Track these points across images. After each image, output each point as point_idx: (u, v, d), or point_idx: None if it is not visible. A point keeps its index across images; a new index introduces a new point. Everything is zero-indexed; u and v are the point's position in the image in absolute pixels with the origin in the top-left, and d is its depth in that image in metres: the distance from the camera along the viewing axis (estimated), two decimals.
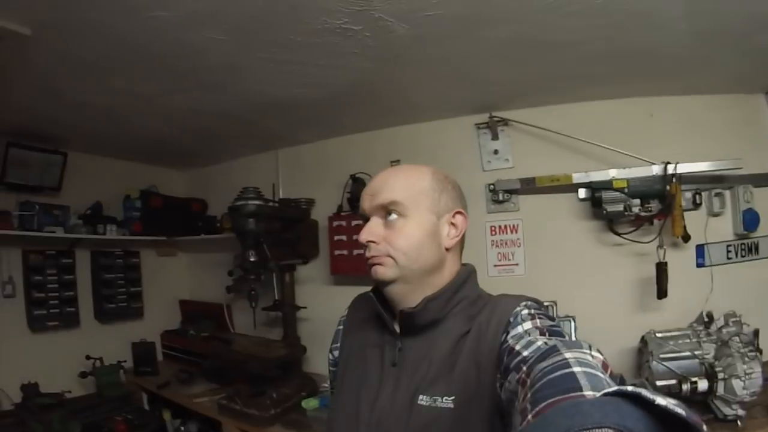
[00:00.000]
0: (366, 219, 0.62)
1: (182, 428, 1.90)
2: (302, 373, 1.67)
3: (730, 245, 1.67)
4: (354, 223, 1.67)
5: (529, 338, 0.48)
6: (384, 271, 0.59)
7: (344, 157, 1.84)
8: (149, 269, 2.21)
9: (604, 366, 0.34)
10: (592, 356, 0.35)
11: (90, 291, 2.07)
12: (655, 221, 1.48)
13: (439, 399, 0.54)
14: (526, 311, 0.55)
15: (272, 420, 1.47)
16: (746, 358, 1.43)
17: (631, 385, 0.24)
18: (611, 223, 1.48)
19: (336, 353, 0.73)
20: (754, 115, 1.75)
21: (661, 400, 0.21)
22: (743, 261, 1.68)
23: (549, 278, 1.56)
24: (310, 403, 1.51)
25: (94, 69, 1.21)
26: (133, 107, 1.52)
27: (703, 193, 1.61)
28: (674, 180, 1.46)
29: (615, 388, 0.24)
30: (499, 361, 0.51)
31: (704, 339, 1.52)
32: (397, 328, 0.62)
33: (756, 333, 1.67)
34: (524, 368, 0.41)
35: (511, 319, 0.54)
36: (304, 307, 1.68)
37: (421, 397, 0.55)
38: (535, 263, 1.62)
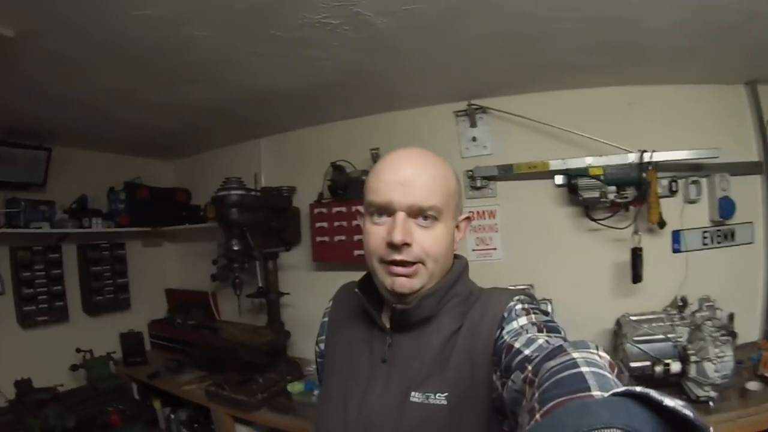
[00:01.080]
0: (386, 212, 0.56)
1: (172, 416, 2.00)
2: (287, 358, 1.76)
3: (706, 232, 1.76)
4: (335, 209, 1.75)
5: (528, 335, 0.48)
6: (412, 284, 0.56)
7: (325, 145, 1.91)
8: (135, 260, 2.28)
9: (611, 366, 0.35)
10: (600, 356, 0.36)
11: (77, 284, 2.13)
12: (631, 208, 1.56)
13: (432, 396, 0.53)
14: (519, 306, 0.55)
15: (259, 405, 1.55)
16: (718, 342, 1.52)
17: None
18: (587, 209, 1.56)
19: (322, 346, 0.73)
20: (734, 106, 1.83)
21: (669, 402, 0.22)
22: (719, 247, 1.77)
23: (526, 262, 1.64)
24: (295, 388, 1.61)
25: (80, 68, 1.25)
26: (119, 103, 1.56)
27: (679, 181, 1.69)
28: (650, 168, 1.55)
29: (624, 388, 0.25)
30: (496, 357, 0.51)
31: (678, 323, 1.62)
32: (387, 323, 0.61)
33: (731, 317, 1.78)
34: (530, 367, 0.41)
35: (505, 315, 0.55)
36: (287, 293, 1.76)
37: (413, 393, 0.54)
38: (513, 248, 1.69)
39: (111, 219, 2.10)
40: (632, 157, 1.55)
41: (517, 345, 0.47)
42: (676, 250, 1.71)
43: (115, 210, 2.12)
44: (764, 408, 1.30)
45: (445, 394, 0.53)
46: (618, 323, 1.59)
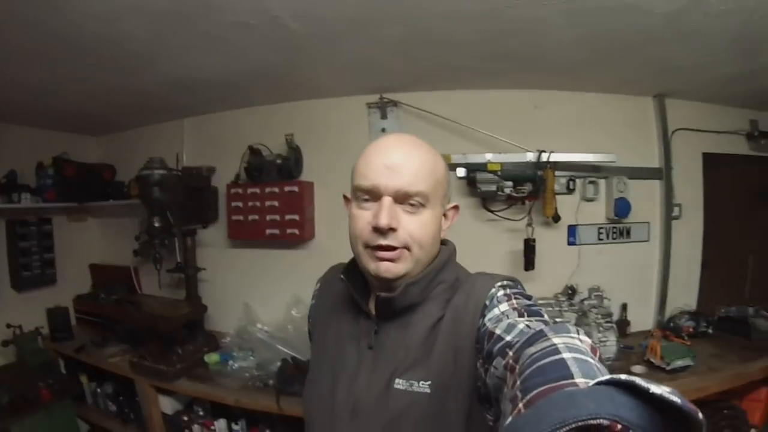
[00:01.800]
0: (372, 196, 0.57)
1: (99, 391, 2.12)
2: (204, 331, 1.91)
3: (602, 228, 2.01)
4: (250, 191, 1.89)
5: (509, 321, 0.49)
6: (397, 269, 0.57)
7: (243, 129, 2.04)
8: (61, 236, 2.34)
9: (593, 350, 0.35)
10: (581, 341, 0.36)
11: (6, 260, 2.19)
12: (527, 202, 1.78)
13: (416, 383, 0.55)
14: (501, 292, 0.56)
15: (179, 374, 1.69)
16: (601, 328, 1.77)
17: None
18: (485, 201, 1.78)
19: (311, 328, 0.77)
20: (639, 115, 2.07)
21: (655, 389, 0.22)
22: (615, 243, 2.03)
23: None
24: (212, 358, 1.75)
25: (20, 54, 1.33)
26: (54, 85, 1.65)
27: (577, 180, 1.93)
28: (548, 167, 1.77)
29: (608, 377, 0.25)
30: (479, 345, 0.52)
31: (566, 308, 1.86)
32: (373, 310, 0.62)
33: (624, 307, 2.06)
34: (510, 353, 0.42)
35: (487, 302, 0.56)
36: (204, 269, 1.90)
37: (397, 380, 0.56)
38: None
39: (39, 194, 2.17)
40: (530, 156, 1.77)
41: (498, 331, 0.49)
42: (571, 243, 1.95)
43: (43, 185, 2.18)
44: None
45: (428, 382, 0.55)
46: None
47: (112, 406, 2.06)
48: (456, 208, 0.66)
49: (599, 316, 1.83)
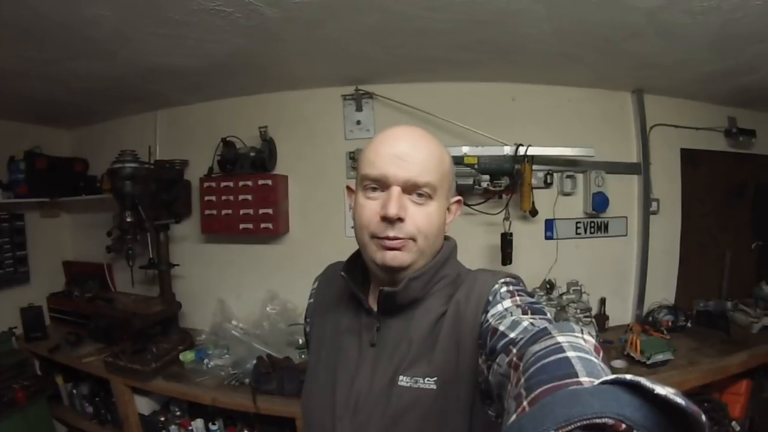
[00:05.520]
0: (380, 185, 0.58)
1: (75, 391, 2.08)
2: (179, 329, 1.88)
3: (579, 222, 2.03)
4: (223, 184, 1.86)
5: (512, 318, 0.49)
6: (403, 258, 0.57)
7: (217, 121, 2.01)
8: (33, 232, 2.29)
9: (596, 350, 0.35)
10: (585, 340, 0.36)
11: None
12: (504, 196, 1.79)
13: (421, 380, 0.55)
14: (504, 288, 0.57)
15: (154, 373, 1.66)
16: (580, 323, 1.78)
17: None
18: (461, 194, 1.77)
19: (308, 328, 0.76)
20: (618, 110, 2.09)
21: (660, 390, 0.22)
22: (593, 237, 2.05)
23: None
24: (187, 356, 1.73)
25: None
26: (26, 71, 1.61)
27: (555, 175, 1.93)
28: (526, 160, 1.78)
29: (613, 376, 0.25)
30: (482, 341, 0.52)
31: (544, 303, 1.87)
32: (374, 306, 0.62)
33: (603, 301, 2.07)
34: (514, 350, 0.42)
35: (490, 298, 0.56)
36: (177, 265, 1.87)
37: (401, 377, 0.56)
38: None
39: (11, 190, 2.12)
40: (508, 150, 1.77)
41: (501, 328, 0.49)
42: (548, 237, 1.96)
43: (15, 180, 2.13)
44: None
45: (434, 378, 0.55)
46: None
47: (89, 407, 2.02)
48: (459, 202, 0.66)
49: (578, 311, 1.84)
